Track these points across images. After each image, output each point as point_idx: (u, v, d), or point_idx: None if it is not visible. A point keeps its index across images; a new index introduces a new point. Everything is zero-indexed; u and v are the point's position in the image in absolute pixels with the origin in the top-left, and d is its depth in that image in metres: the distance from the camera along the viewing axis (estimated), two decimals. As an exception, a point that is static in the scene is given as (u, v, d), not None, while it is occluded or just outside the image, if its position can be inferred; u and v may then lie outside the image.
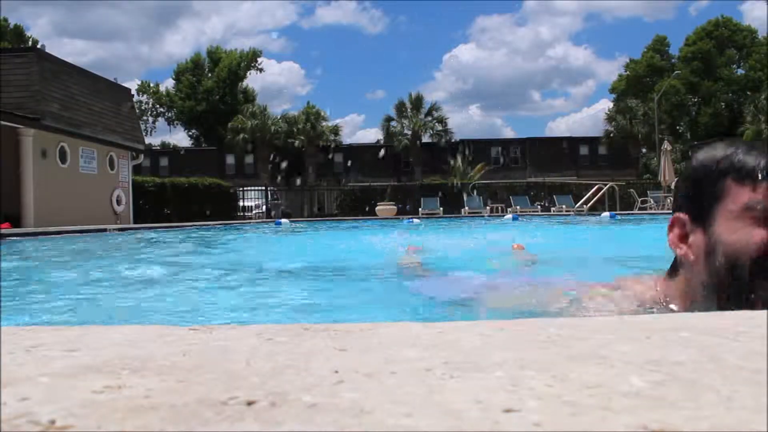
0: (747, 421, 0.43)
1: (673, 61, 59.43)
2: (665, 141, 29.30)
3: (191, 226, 15.85)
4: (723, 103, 57.08)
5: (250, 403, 0.49)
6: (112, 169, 19.84)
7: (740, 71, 57.96)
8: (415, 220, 17.65)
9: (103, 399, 0.51)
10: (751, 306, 1.38)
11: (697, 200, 1.54)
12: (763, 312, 0.86)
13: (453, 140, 49.82)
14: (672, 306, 1.59)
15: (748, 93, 52.37)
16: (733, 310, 1.37)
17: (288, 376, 0.56)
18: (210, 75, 59.72)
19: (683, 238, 1.58)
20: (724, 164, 1.50)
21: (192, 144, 61.31)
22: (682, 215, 1.57)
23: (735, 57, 57.69)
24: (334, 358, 0.62)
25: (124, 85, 22.43)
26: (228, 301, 2.90)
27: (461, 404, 0.46)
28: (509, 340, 0.70)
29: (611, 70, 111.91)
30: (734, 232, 1.44)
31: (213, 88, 58.42)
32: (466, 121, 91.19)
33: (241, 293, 3.21)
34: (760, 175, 1.44)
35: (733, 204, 1.45)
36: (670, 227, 1.60)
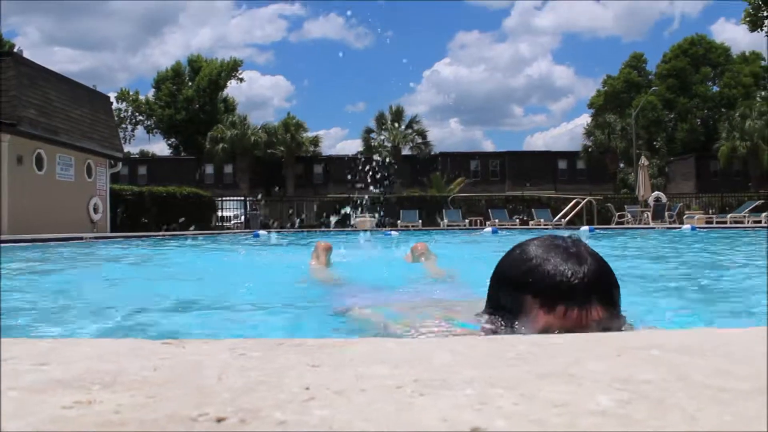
0: (709, 440, 0.44)
1: (650, 77, 60.15)
2: (642, 156, 29.64)
3: (167, 235, 15.73)
4: (698, 120, 57.85)
5: (220, 420, 0.49)
6: (89, 176, 19.67)
7: (715, 88, 58.78)
8: (393, 233, 17.64)
9: (73, 415, 0.51)
10: None
11: (502, 309, 1.42)
12: (730, 330, 0.87)
13: (433, 153, 49.97)
14: None
15: (723, 110, 53.12)
16: None
17: (259, 393, 0.56)
18: (190, 84, 59.49)
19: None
20: (527, 276, 1.38)
21: (171, 153, 60.97)
22: (487, 325, 1.43)
23: (710, 74, 58.51)
24: (306, 375, 0.62)
25: (103, 92, 22.25)
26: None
27: (429, 422, 0.47)
28: (480, 357, 0.70)
29: (590, 86, 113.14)
30: None
31: (193, 97, 58.21)
32: (447, 135, 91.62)
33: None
34: (558, 298, 1.33)
35: (529, 324, 1.33)
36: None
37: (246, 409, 0.51)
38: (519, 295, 1.37)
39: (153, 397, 0.56)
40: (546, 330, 1.30)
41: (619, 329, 1.34)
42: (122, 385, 0.61)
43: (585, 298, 1.32)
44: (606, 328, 1.31)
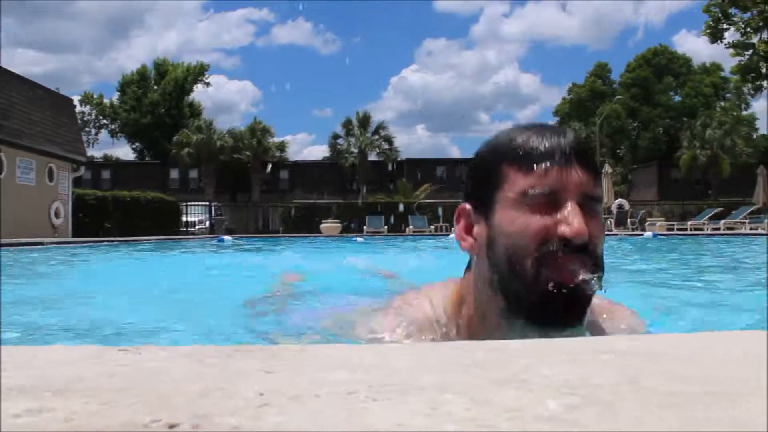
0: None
1: (614, 86, 61.10)
2: (606, 164, 30.06)
3: (130, 241, 15.55)
4: (661, 128, 58.86)
5: (172, 426, 0.49)
6: (51, 180, 19.35)
7: (677, 98, 59.89)
8: (359, 239, 17.64)
9: (22, 423, 0.50)
10: (532, 305, 1.31)
11: (480, 188, 1.43)
12: (685, 335, 0.89)
13: (399, 159, 50.09)
14: (449, 311, 1.48)
15: (685, 119, 54.10)
16: (515, 309, 1.33)
17: (213, 399, 0.56)
18: (156, 87, 58.88)
19: (468, 229, 1.47)
20: (502, 149, 1.40)
21: (136, 157, 60.27)
22: (467, 205, 1.47)
23: (672, 84, 59.61)
24: (262, 381, 0.63)
25: (66, 95, 21.93)
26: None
27: (380, 427, 0.47)
28: (436, 363, 0.71)
29: (555, 94, 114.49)
30: (512, 221, 1.34)
31: (159, 101, 57.61)
32: (414, 141, 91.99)
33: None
34: (536, 159, 1.34)
35: (511, 191, 1.35)
36: (457, 218, 1.50)
37: (199, 415, 0.51)
38: (495, 169, 1.38)
39: (107, 404, 0.56)
40: (528, 191, 1.31)
41: (600, 198, 1.36)
42: (76, 392, 0.60)
43: (565, 158, 1.33)
44: (590, 196, 1.33)
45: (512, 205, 1.34)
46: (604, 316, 1.56)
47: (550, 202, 1.31)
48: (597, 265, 1.32)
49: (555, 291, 1.28)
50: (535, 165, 1.33)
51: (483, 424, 0.48)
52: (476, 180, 1.46)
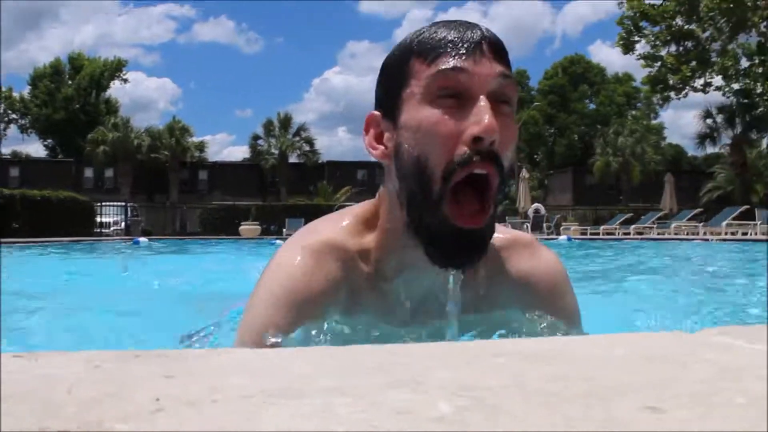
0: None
1: (532, 93, 62.67)
2: (524, 169, 30.79)
3: (39, 242, 14.99)
4: (576, 135, 60.74)
5: (61, 435, 0.49)
6: (-46, 178, 18.44)
7: (592, 106, 61.93)
8: (278, 242, 17.51)
9: None
10: (429, 233, 1.23)
11: (388, 90, 1.31)
12: (575, 337, 0.93)
13: (320, 161, 50.00)
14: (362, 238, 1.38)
15: (599, 126, 56.00)
16: (417, 229, 1.25)
17: (107, 405, 0.56)
18: (70, 82, 56.88)
19: (379, 138, 1.35)
20: (409, 44, 1.27)
21: (47, 155, 58.04)
22: (375, 112, 1.35)
23: (587, 92, 61.60)
24: (160, 386, 0.62)
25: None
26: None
27: (272, 430, 0.48)
28: (338, 367, 0.72)
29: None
30: (419, 121, 1.21)
31: (73, 97, 55.67)
32: (335, 143, 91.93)
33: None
34: (443, 50, 1.21)
35: (417, 86, 1.22)
36: (366, 128, 1.38)
37: (90, 422, 0.51)
38: (402, 65, 1.26)
39: (-6, 413, 0.54)
40: (433, 80, 1.20)
41: (511, 100, 1.24)
42: (-36, 401, 0.59)
43: (476, 47, 1.21)
44: (502, 91, 1.22)
45: (419, 102, 1.22)
46: (518, 246, 1.48)
47: (460, 96, 1.19)
48: (503, 182, 1.22)
49: (456, 232, 1.20)
50: (441, 56, 1.20)
51: (372, 425, 0.49)
52: (384, 82, 1.34)
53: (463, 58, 1.19)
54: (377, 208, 1.40)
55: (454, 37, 1.21)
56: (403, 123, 1.24)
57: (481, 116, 1.15)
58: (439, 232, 1.21)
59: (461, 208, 1.20)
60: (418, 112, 1.21)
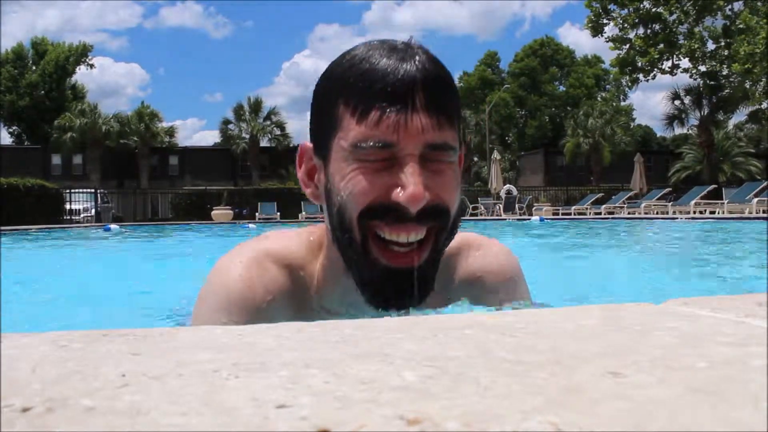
0: (496, 406, 0.48)
1: (503, 75, 62.88)
2: (495, 150, 30.94)
3: (5, 230, 14.76)
4: (547, 117, 61.08)
5: (25, 410, 0.49)
6: None
7: (562, 88, 62.29)
8: (251, 225, 17.42)
9: None
10: (363, 283, 1.18)
11: (317, 129, 1.22)
12: (542, 310, 0.94)
13: (292, 145, 49.75)
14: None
15: (569, 108, 56.39)
16: (354, 278, 1.20)
17: (72, 382, 0.56)
18: (34, 68, 55.83)
19: (312, 173, 1.28)
20: (338, 81, 1.16)
21: (13, 142, 57.02)
22: (308, 144, 1.27)
23: (557, 75, 61.92)
24: (126, 363, 0.62)
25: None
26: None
27: (237, 402, 0.48)
28: (304, 341, 0.72)
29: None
30: (343, 177, 1.13)
31: (38, 83, 54.67)
32: (306, 127, 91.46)
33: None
34: (371, 101, 1.11)
35: (344, 140, 1.13)
36: (299, 159, 1.30)
37: (54, 399, 0.51)
38: (330, 108, 1.16)
39: (-44, 393, 0.54)
40: (360, 143, 1.11)
41: (450, 146, 1.15)
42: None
43: (405, 100, 1.10)
44: (436, 145, 1.12)
45: (345, 158, 1.14)
46: (468, 248, 1.43)
47: (387, 158, 1.11)
48: (444, 230, 1.17)
49: (387, 273, 1.15)
50: (368, 110, 1.10)
51: (338, 396, 0.50)
52: (315, 118, 1.24)
53: (392, 118, 1.09)
54: (323, 236, 1.36)
55: (384, 85, 1.10)
56: (332, 172, 1.17)
57: (408, 185, 1.09)
58: (371, 274, 1.16)
59: (389, 247, 1.15)
60: (346, 167, 1.13)
